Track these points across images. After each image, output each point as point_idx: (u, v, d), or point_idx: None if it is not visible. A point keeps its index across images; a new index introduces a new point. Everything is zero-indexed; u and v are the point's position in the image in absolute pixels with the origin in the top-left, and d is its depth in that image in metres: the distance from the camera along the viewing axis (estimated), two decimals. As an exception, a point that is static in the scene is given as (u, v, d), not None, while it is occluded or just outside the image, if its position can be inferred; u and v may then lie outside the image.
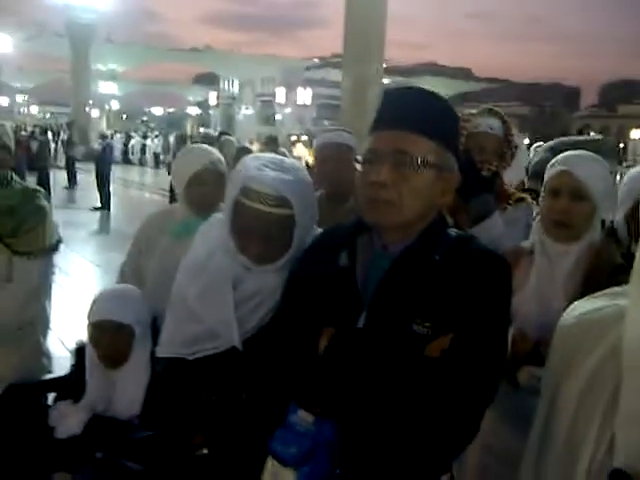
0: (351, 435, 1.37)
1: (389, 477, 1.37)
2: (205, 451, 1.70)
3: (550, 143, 3.57)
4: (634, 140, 45.05)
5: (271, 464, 1.46)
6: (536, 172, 2.08)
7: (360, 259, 1.47)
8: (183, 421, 1.73)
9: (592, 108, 76.99)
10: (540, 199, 2.03)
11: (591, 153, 2.02)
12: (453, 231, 1.50)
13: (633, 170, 2.29)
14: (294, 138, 19.19)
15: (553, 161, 2.00)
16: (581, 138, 3.79)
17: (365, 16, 12.83)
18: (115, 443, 2.17)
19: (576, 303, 1.31)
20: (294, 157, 10.27)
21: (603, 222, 2.02)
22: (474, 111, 2.50)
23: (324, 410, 1.40)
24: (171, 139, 27.25)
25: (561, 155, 2.02)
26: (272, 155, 1.74)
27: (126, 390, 2.30)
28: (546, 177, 2.00)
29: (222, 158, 2.51)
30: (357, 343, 1.40)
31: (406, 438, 1.33)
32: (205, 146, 2.59)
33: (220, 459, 1.69)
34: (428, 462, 1.38)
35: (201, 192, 2.40)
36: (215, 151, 2.53)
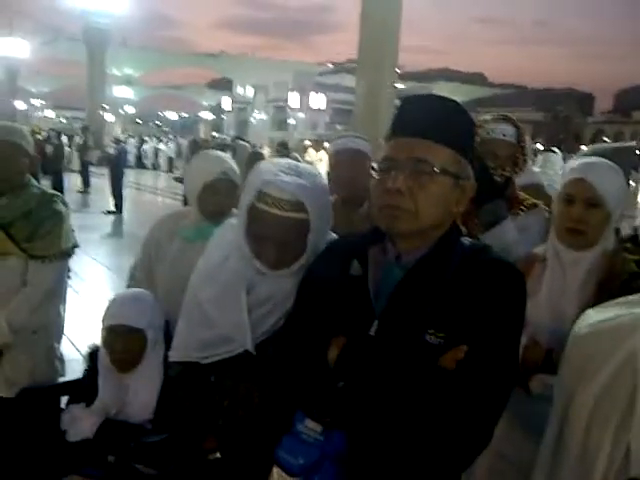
0: (360, 446, 1.36)
1: None
2: (218, 455, 1.70)
3: (588, 150, 3.54)
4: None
5: (277, 472, 1.44)
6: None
7: (373, 268, 1.46)
8: (195, 425, 1.74)
9: (606, 114, 76.47)
10: (553, 206, 2.02)
11: (606, 161, 2.01)
12: (467, 240, 1.49)
13: None
14: (308, 143, 19.20)
15: (568, 168, 1.99)
16: (616, 145, 3.74)
17: (380, 22, 12.85)
18: (127, 447, 2.18)
19: (588, 312, 1.31)
20: (306, 162, 10.28)
21: (617, 230, 2.00)
22: (487, 117, 2.50)
23: (333, 420, 1.38)
24: (184, 143, 27.37)
25: (576, 162, 2.01)
26: (287, 160, 1.74)
27: (139, 394, 2.31)
28: (561, 184, 1.99)
29: (235, 167, 2.51)
30: (369, 353, 1.39)
31: (417, 449, 1.32)
32: (219, 154, 2.58)
33: (232, 464, 1.69)
34: (438, 474, 1.36)
35: (213, 201, 2.40)
36: (229, 159, 2.53)
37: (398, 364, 1.35)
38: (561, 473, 1.25)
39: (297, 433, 1.41)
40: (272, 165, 1.67)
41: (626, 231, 2.29)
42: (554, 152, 6.05)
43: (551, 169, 5.25)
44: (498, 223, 2.28)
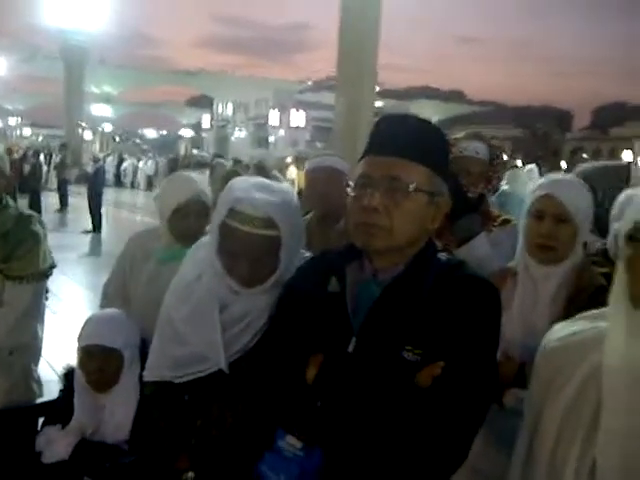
0: (339, 462, 1.37)
1: None
2: (191, 474, 1.70)
3: (579, 170, 3.57)
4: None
5: None
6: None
7: (350, 285, 1.48)
8: (169, 445, 1.73)
9: (584, 130, 77.66)
10: (522, 222, 2.06)
11: (574, 177, 2.06)
12: (443, 256, 1.52)
13: (630, 191, 2.33)
14: (289, 160, 19.22)
15: (537, 185, 2.04)
16: (609, 164, 3.77)
17: (358, 40, 12.97)
18: (103, 468, 2.16)
19: (556, 326, 1.33)
20: (287, 180, 10.29)
21: (585, 244, 2.05)
22: (460, 135, 2.55)
23: (312, 437, 1.39)
24: (162, 161, 27.29)
25: (545, 179, 2.05)
26: (259, 178, 1.76)
27: (114, 414, 2.29)
28: (530, 200, 2.03)
29: (206, 189, 2.51)
30: (346, 370, 1.40)
31: (394, 466, 1.33)
32: (189, 176, 2.57)
33: None
34: None
35: (184, 224, 2.41)
36: (199, 181, 2.53)
37: (376, 381, 1.36)
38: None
39: (278, 449, 1.42)
40: (244, 182, 1.69)
41: (595, 245, 2.33)
42: (517, 167, 6.14)
43: (516, 182, 5.34)
44: (472, 238, 2.32)
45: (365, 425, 1.35)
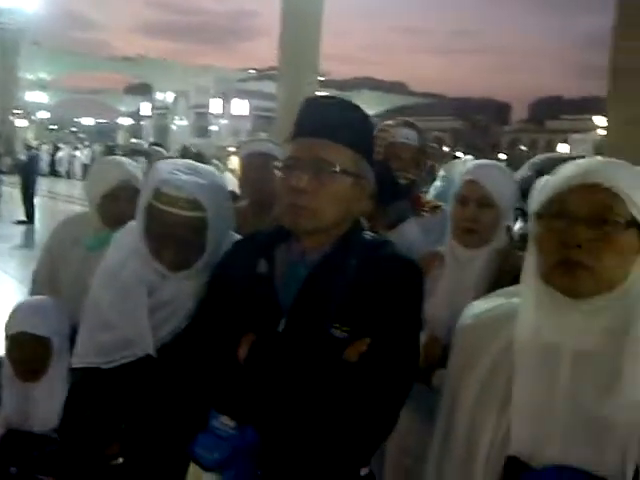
0: (272, 438, 1.39)
1: (310, 475, 1.41)
2: (121, 460, 1.69)
3: (534, 160, 3.64)
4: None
5: (193, 469, 1.47)
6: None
7: (279, 266, 1.50)
8: (98, 431, 1.71)
9: (522, 123, 79.83)
10: (449, 207, 2.12)
11: (497, 163, 2.13)
12: (369, 235, 1.56)
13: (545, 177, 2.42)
14: (231, 150, 19.03)
15: (462, 171, 2.09)
16: (564, 155, 3.88)
17: (300, 29, 12.95)
18: (30, 457, 2.12)
19: (474, 303, 1.38)
20: (229, 170, 10.18)
21: (508, 228, 2.12)
22: (391, 122, 2.59)
23: (245, 415, 1.41)
24: (98, 150, 26.62)
25: (470, 165, 2.12)
26: (186, 160, 1.75)
27: (43, 404, 2.24)
28: (455, 186, 2.09)
29: (137, 172, 2.47)
30: (277, 349, 1.43)
31: (326, 437, 1.37)
32: (120, 160, 2.54)
33: (138, 467, 1.68)
34: (347, 458, 1.42)
35: (114, 209, 2.37)
36: (131, 166, 2.49)
37: (305, 358, 1.40)
38: (450, 456, 1.31)
39: (211, 429, 1.44)
40: (169, 164, 1.68)
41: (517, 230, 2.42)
42: (458, 158, 6.29)
43: (453, 173, 5.48)
44: (402, 223, 2.37)
45: (296, 401, 1.38)
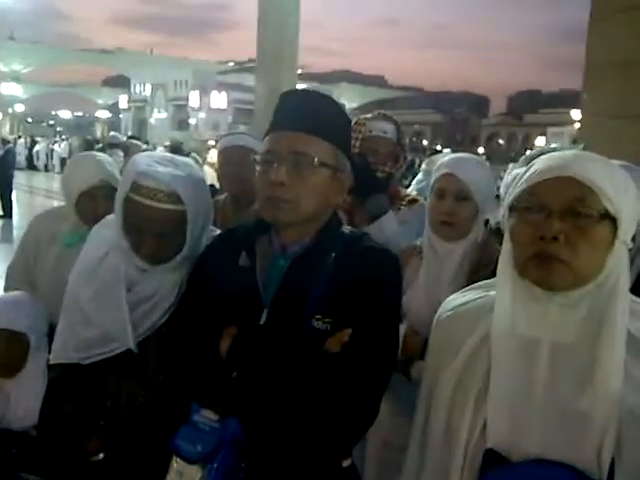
0: (255, 431, 1.40)
1: (293, 466, 1.41)
2: (101, 456, 1.68)
3: (530, 154, 3.62)
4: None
5: (176, 462, 1.46)
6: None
7: (260, 259, 1.51)
8: (78, 427, 1.70)
9: (500, 116, 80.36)
10: (427, 200, 2.13)
11: (474, 156, 2.14)
12: (347, 229, 1.57)
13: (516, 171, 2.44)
14: (211, 143, 18.88)
15: (439, 164, 2.11)
16: (558, 149, 3.89)
17: (278, 21, 12.82)
18: (9, 454, 2.10)
19: (451, 296, 1.39)
20: (208, 163, 10.11)
21: (486, 221, 2.14)
22: (368, 115, 2.59)
23: (228, 408, 1.42)
24: (75, 143, 26.30)
25: (447, 158, 2.13)
26: (163, 153, 1.74)
27: (21, 400, 2.22)
28: (433, 179, 2.10)
29: (114, 170, 2.44)
30: (259, 342, 1.43)
31: (308, 428, 1.38)
32: (98, 157, 2.50)
33: (119, 463, 1.67)
34: (329, 449, 1.43)
35: (91, 207, 2.34)
36: (106, 163, 2.46)
37: (287, 350, 1.41)
38: (429, 449, 1.32)
39: (194, 423, 1.44)
40: (147, 157, 1.67)
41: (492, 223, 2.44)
42: (440, 152, 6.33)
43: (433, 166, 5.50)
44: (380, 216, 2.38)
45: (278, 392, 1.39)
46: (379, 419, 1.46)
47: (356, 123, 2.49)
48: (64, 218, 2.46)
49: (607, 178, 1.17)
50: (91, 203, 2.35)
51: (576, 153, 1.23)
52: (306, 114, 1.46)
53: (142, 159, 1.65)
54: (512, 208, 1.22)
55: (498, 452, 1.19)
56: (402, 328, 1.89)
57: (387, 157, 2.50)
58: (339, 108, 1.55)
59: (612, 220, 1.16)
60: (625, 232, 1.18)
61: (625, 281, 1.19)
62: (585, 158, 1.20)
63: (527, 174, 1.22)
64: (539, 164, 1.22)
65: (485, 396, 1.22)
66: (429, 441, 1.32)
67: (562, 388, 1.16)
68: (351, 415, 1.39)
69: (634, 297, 1.24)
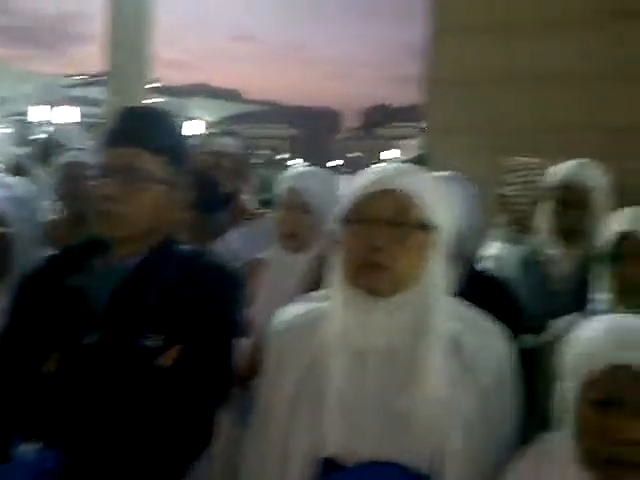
0: (79, 459, 1.34)
1: None
2: None
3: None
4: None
5: None
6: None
7: (94, 277, 1.46)
8: None
9: (353, 131, 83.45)
10: (273, 214, 2.16)
11: (319, 170, 2.20)
12: (187, 247, 1.56)
13: None
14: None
15: (283, 178, 2.14)
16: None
17: (130, 34, 12.48)
18: None
19: (285, 309, 1.41)
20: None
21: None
22: (213, 131, 2.59)
23: (49, 438, 1.35)
24: None
25: (292, 172, 2.17)
26: None
27: None
28: (278, 193, 2.13)
29: None
30: (87, 363, 1.38)
31: (133, 449, 1.34)
32: None
33: None
34: (159, 470, 1.37)
35: None
36: None
37: (117, 370, 1.37)
38: (266, 463, 1.31)
39: (14, 456, 1.36)
40: None
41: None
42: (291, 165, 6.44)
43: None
44: (225, 232, 2.38)
45: (107, 416, 1.34)
46: (225, 433, 1.44)
47: (200, 139, 2.49)
48: None
49: (426, 189, 1.24)
50: None
51: (397, 166, 1.29)
52: (139, 130, 1.46)
53: None
54: (342, 221, 1.26)
55: (335, 461, 1.21)
56: (247, 343, 1.88)
57: (232, 172, 2.50)
58: (172, 123, 1.56)
59: (431, 229, 1.23)
60: (443, 240, 1.25)
61: (444, 286, 1.26)
62: (406, 170, 1.27)
63: (353, 187, 1.26)
64: (363, 178, 1.27)
65: (321, 407, 1.23)
66: (265, 454, 1.32)
67: (390, 392, 1.20)
68: (180, 434, 1.37)
69: (458, 301, 1.33)
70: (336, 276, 1.28)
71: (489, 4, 3.77)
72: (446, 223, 1.26)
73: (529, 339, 1.83)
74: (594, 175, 2.29)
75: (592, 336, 1.15)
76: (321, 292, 1.37)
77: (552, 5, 3.56)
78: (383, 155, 41.10)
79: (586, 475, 1.13)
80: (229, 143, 2.52)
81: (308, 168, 2.23)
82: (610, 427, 1.07)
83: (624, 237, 1.73)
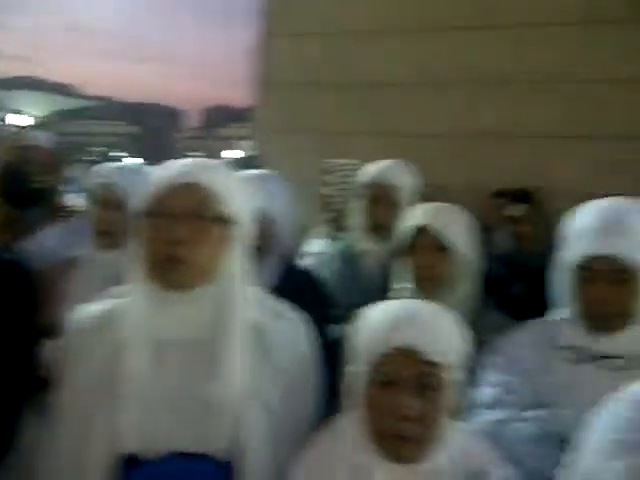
0: None
1: None
2: None
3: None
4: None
5: None
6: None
7: None
8: None
9: (194, 130, 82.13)
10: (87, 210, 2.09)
11: (132, 165, 2.17)
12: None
13: None
14: None
15: (94, 174, 2.08)
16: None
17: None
18: None
19: (82, 306, 1.37)
20: None
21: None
22: (24, 125, 2.46)
23: None
24: None
25: (105, 167, 2.11)
26: None
27: None
28: (89, 189, 2.07)
29: None
30: None
31: None
32: None
33: None
34: None
35: None
36: None
37: None
38: (63, 462, 1.27)
39: None
40: None
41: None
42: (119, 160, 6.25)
43: None
44: (41, 229, 2.28)
45: None
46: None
47: (11, 133, 2.36)
48: None
49: (226, 184, 1.27)
50: None
51: (198, 161, 1.31)
52: None
53: None
54: (142, 214, 1.26)
55: (136, 457, 1.20)
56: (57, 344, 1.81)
57: (45, 168, 2.40)
58: None
59: (231, 223, 1.26)
60: (243, 234, 1.30)
61: (244, 278, 1.30)
62: (208, 165, 1.29)
63: (154, 181, 1.27)
64: (165, 170, 1.28)
65: (119, 403, 1.22)
66: (62, 454, 1.28)
67: (190, 383, 1.22)
68: None
69: (261, 291, 1.38)
70: (136, 270, 1.27)
71: (321, 10, 3.87)
72: (246, 217, 1.30)
73: (337, 329, 1.93)
74: (401, 174, 2.46)
75: (373, 322, 1.24)
76: (122, 288, 1.35)
77: (377, 13, 3.71)
78: (224, 154, 40.94)
79: (374, 450, 1.22)
80: (39, 137, 2.41)
81: (122, 164, 2.19)
82: (393, 405, 1.17)
83: (419, 231, 1.88)
